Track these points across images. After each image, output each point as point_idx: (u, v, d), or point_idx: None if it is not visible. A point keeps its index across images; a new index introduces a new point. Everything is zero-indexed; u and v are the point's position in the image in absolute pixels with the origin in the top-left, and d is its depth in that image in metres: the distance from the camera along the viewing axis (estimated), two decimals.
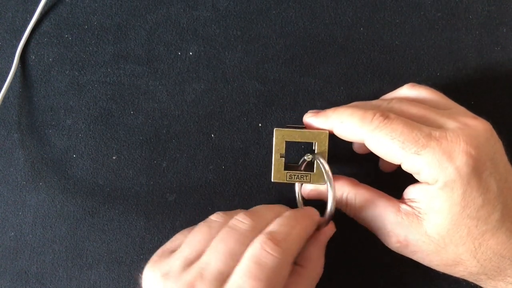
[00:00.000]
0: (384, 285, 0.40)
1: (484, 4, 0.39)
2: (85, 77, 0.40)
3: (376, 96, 0.37)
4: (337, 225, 0.38)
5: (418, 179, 0.31)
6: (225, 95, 0.39)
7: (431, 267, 0.32)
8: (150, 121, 0.40)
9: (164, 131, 0.40)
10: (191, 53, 0.39)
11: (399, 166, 0.35)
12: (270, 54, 0.39)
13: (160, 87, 0.40)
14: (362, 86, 0.39)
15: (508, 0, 0.39)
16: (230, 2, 0.39)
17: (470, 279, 0.32)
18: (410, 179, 0.32)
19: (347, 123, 0.31)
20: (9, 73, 0.39)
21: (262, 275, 0.27)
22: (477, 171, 0.29)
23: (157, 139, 0.40)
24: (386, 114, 0.30)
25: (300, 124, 0.36)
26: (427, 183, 0.30)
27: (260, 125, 0.40)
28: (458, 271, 0.31)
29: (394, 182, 0.34)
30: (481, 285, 0.32)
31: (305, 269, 0.32)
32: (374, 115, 0.30)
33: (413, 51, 0.39)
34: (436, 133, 0.29)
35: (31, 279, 0.40)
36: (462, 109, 0.33)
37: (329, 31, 0.39)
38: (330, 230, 0.34)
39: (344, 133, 0.32)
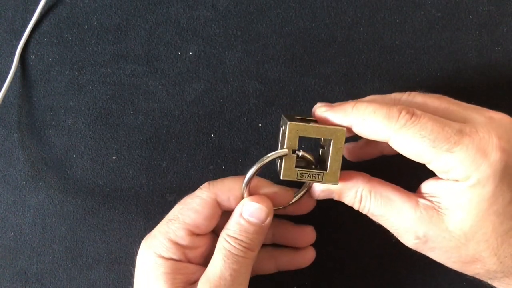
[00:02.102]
0: (383, 284, 0.40)
1: (484, 4, 0.39)
2: (85, 77, 0.40)
3: None
4: (338, 225, 0.39)
5: (443, 177, 0.29)
6: (225, 95, 0.39)
7: (446, 265, 0.31)
8: (150, 121, 0.40)
9: (164, 131, 0.40)
10: (191, 53, 0.39)
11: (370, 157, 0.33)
12: (270, 54, 0.39)
13: (160, 87, 0.40)
14: (362, 86, 0.39)
15: (508, 0, 0.39)
16: (230, 2, 0.39)
17: (484, 277, 0.31)
18: (419, 171, 0.31)
19: (370, 121, 0.29)
20: (9, 73, 0.39)
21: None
22: (509, 166, 0.28)
23: (157, 139, 0.40)
24: (412, 110, 0.29)
25: (308, 115, 0.34)
26: (456, 181, 0.29)
27: (260, 125, 0.40)
28: (475, 269, 0.30)
29: (401, 171, 0.33)
30: (493, 284, 0.32)
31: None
32: (400, 113, 0.29)
33: (413, 51, 0.39)
34: (467, 129, 0.28)
35: (31, 279, 0.40)
36: (475, 106, 0.32)
37: (329, 31, 0.39)
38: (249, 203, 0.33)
39: (366, 132, 0.30)
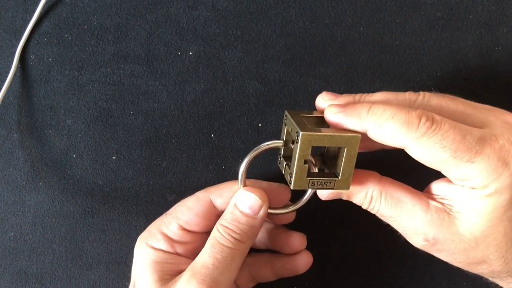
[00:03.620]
0: (383, 284, 0.40)
1: (484, 4, 0.39)
2: (85, 77, 0.40)
3: None
4: (338, 225, 0.38)
5: (459, 184, 0.29)
6: (225, 95, 0.39)
7: (452, 264, 0.31)
8: (150, 121, 0.40)
9: (164, 131, 0.40)
10: (191, 53, 0.39)
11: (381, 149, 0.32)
12: (270, 54, 0.39)
13: (160, 87, 0.40)
14: (362, 86, 0.39)
15: (508, 0, 0.39)
16: (230, 2, 0.39)
17: (488, 276, 0.31)
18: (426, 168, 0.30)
19: (387, 127, 0.28)
20: (9, 73, 0.39)
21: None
22: None
23: (157, 139, 0.40)
24: (432, 117, 0.27)
25: (312, 111, 0.33)
26: (473, 188, 0.28)
27: (260, 125, 0.40)
28: (480, 269, 0.30)
29: (409, 166, 0.32)
30: (495, 281, 0.32)
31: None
32: (420, 119, 0.27)
33: (413, 51, 0.39)
34: (486, 136, 0.27)
35: (30, 279, 0.40)
36: (488, 107, 0.31)
37: (329, 31, 0.39)
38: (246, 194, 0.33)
39: (382, 138, 0.28)
